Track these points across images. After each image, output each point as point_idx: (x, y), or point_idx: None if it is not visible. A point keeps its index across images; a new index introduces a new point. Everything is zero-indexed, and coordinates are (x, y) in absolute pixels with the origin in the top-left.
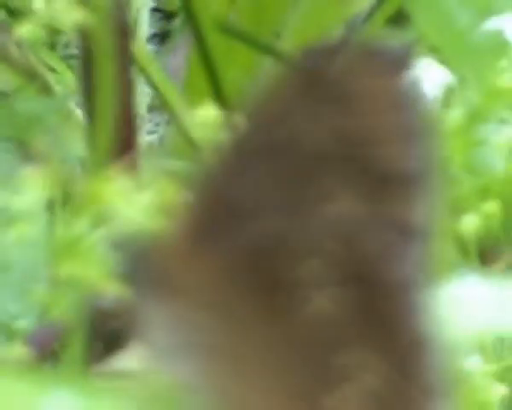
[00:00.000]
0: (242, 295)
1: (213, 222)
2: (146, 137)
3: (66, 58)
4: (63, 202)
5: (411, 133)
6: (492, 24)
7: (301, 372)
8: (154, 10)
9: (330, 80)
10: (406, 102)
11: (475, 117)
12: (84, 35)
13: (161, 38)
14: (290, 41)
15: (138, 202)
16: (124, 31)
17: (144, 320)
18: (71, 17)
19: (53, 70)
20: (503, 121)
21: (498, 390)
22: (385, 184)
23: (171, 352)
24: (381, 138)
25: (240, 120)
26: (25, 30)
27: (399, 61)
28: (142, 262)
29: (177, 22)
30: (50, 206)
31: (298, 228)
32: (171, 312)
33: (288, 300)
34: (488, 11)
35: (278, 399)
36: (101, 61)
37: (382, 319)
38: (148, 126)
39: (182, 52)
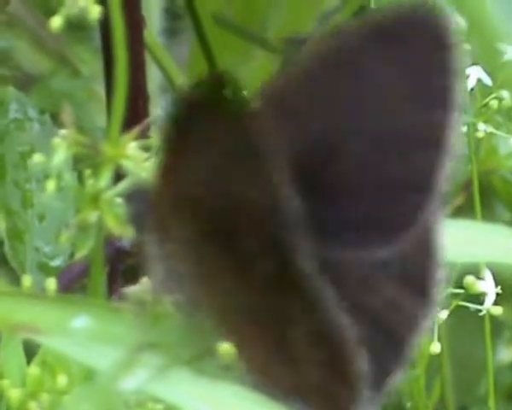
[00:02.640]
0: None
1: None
2: (157, 110)
3: (92, 49)
4: (88, 162)
5: None
6: None
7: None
8: (165, 11)
9: None
10: None
11: None
12: (105, 28)
13: (171, 33)
14: (274, 32)
15: (146, 162)
16: (138, 25)
17: (146, 256)
18: (93, 12)
19: (81, 58)
20: None
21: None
22: None
23: (166, 279)
24: None
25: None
26: (57, 24)
27: None
28: (142, 210)
29: (184, 21)
30: (78, 165)
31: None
32: (161, 248)
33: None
34: None
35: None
36: (118, 50)
37: None
38: (158, 102)
39: (187, 44)
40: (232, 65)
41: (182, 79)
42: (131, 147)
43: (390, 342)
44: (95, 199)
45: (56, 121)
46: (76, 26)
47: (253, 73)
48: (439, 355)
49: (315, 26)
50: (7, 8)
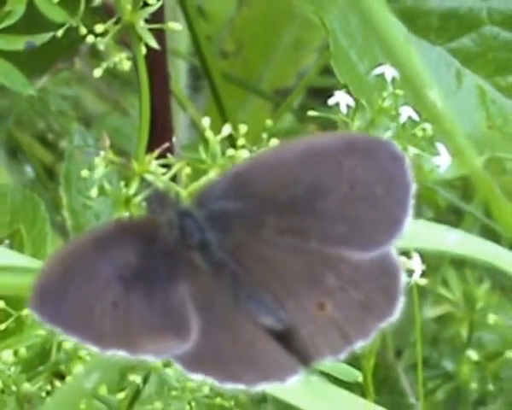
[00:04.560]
0: None
1: None
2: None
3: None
4: (123, 175)
5: None
6: (378, 71)
7: None
8: (191, 73)
9: None
10: None
11: (369, 125)
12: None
13: (195, 89)
14: (266, 84)
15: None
16: (164, 80)
17: None
18: (124, 65)
19: (131, 103)
20: (387, 128)
21: None
22: None
23: None
24: None
25: None
26: (99, 74)
27: None
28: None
29: (204, 81)
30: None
31: None
32: None
33: None
34: (376, 63)
35: None
36: (143, 98)
37: None
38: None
39: (206, 96)
40: (234, 109)
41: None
42: (153, 165)
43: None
44: (127, 202)
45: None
46: (127, 80)
47: (250, 114)
48: None
49: (294, 81)
50: (75, 68)
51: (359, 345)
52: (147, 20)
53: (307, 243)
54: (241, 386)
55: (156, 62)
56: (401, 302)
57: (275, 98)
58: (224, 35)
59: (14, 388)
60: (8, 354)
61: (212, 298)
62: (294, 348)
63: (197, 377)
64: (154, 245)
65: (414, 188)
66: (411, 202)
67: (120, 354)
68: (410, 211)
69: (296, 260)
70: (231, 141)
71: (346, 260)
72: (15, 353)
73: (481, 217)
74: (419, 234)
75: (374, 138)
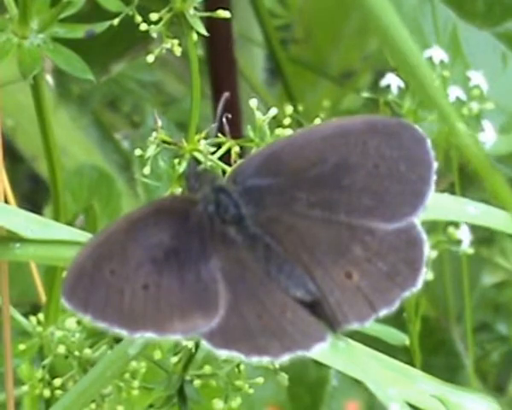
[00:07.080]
0: None
1: None
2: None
3: None
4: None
5: None
6: (427, 54)
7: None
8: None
9: None
10: None
11: (419, 104)
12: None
13: (271, 72)
14: (333, 68)
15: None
16: (231, 65)
17: None
18: (176, 51)
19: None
20: None
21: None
22: None
23: None
24: None
25: None
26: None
27: None
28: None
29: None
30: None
31: None
32: None
33: None
34: (424, 46)
35: None
36: (194, 81)
37: None
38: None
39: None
40: (304, 91)
41: (271, 101)
42: (202, 144)
43: (385, 296)
44: (179, 178)
45: (179, 127)
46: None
47: (319, 96)
48: (442, 279)
49: (360, 63)
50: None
51: (384, 313)
52: (216, 8)
53: (336, 216)
54: (267, 358)
55: (222, 47)
56: (424, 272)
57: (342, 81)
58: (294, 23)
59: (77, 353)
60: (71, 322)
61: (242, 273)
62: (322, 315)
63: (223, 353)
64: (186, 224)
65: (436, 165)
66: (434, 177)
67: (148, 336)
68: (433, 185)
69: (325, 233)
70: (298, 122)
71: (372, 231)
72: (79, 322)
73: None
74: (441, 206)
75: (395, 121)
